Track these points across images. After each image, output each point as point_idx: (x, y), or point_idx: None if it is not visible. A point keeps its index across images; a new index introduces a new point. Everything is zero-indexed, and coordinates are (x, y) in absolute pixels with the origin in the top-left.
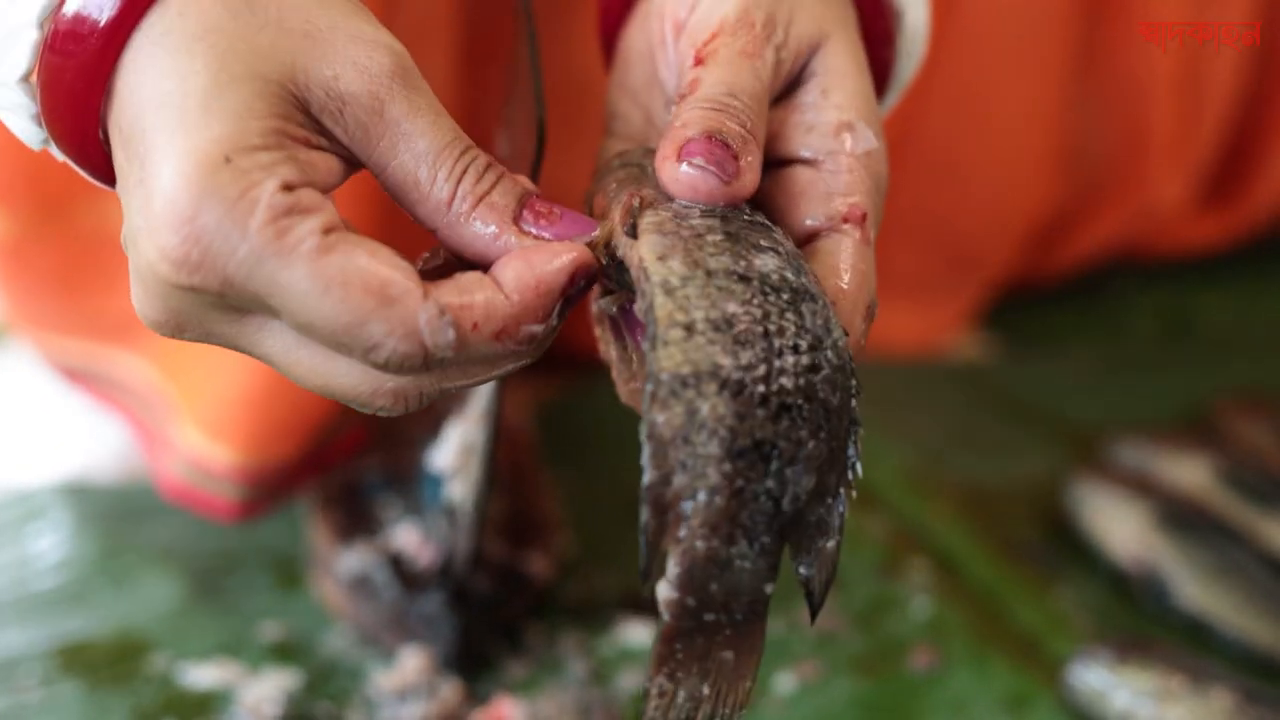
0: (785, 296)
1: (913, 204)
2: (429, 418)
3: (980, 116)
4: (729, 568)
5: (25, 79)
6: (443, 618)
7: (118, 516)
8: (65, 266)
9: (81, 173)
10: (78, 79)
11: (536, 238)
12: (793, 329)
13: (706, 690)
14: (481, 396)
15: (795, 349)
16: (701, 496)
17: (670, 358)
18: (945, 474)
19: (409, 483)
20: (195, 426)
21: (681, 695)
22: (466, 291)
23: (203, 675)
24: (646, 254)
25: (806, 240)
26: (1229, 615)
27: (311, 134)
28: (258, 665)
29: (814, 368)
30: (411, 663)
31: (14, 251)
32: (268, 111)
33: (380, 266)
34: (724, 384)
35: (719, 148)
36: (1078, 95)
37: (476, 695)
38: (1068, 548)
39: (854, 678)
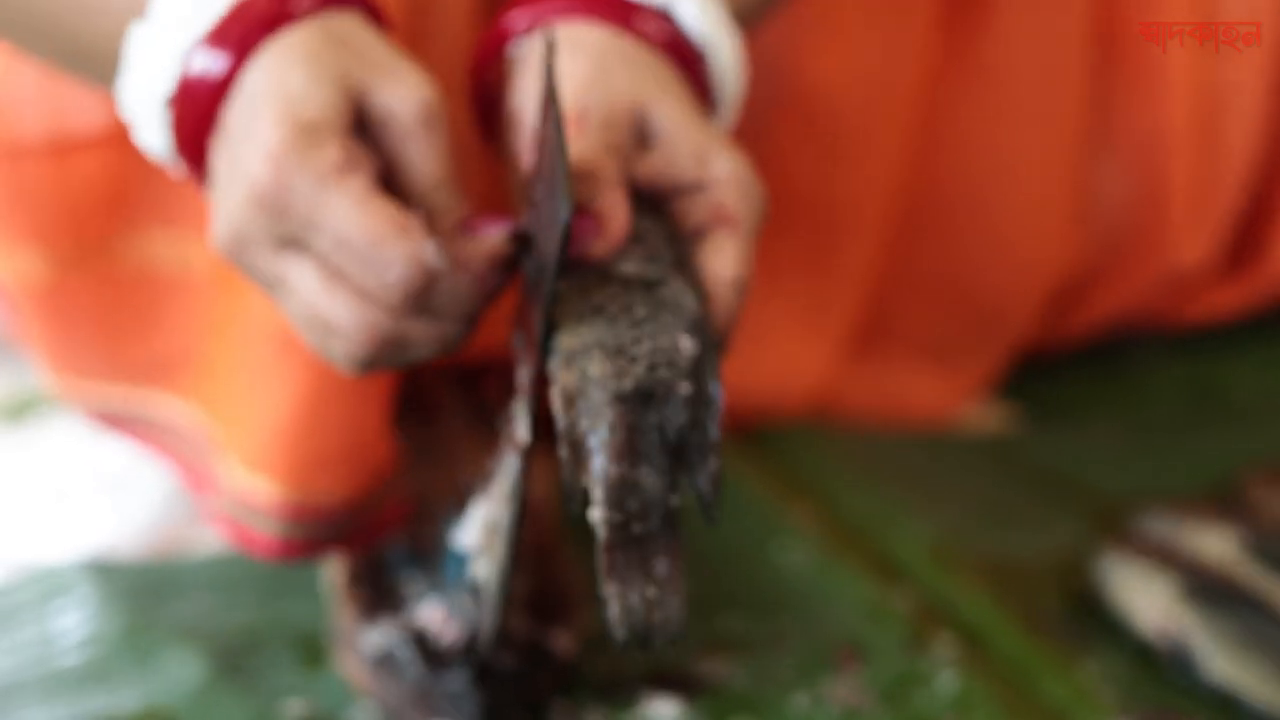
0: (643, 290)
1: (930, 266)
2: (453, 494)
3: (996, 176)
4: (637, 485)
5: (166, 102)
6: (467, 695)
7: (142, 593)
8: (104, 307)
9: (198, 184)
10: (205, 102)
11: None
12: (650, 307)
13: (652, 593)
14: (506, 475)
15: (658, 323)
16: (603, 433)
17: (566, 338)
18: (970, 547)
19: (433, 559)
20: (237, 460)
21: (633, 598)
22: (455, 238)
23: None
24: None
25: (695, 241)
26: (1257, 687)
27: (363, 135)
28: None
29: (674, 335)
30: None
31: (51, 294)
32: (342, 108)
33: (402, 210)
34: (605, 350)
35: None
36: (1094, 153)
37: None
38: (1094, 620)
39: None
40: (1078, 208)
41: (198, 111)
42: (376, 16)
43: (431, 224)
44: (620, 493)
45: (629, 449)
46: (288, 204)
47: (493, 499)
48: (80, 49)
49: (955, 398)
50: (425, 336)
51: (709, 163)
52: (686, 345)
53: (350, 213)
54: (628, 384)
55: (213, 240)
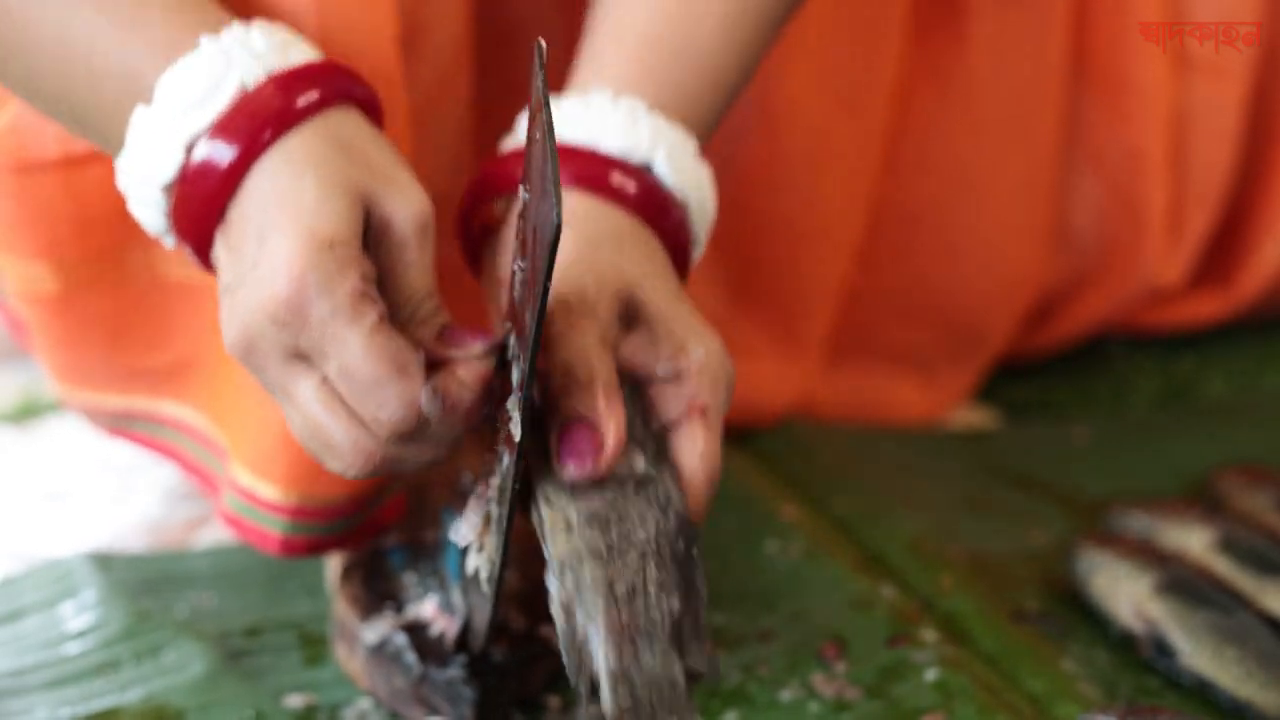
0: (631, 487)
1: (911, 281)
2: (453, 491)
3: (974, 192)
4: (641, 674)
5: (165, 188)
6: (463, 689)
7: (145, 588)
8: (114, 319)
9: (192, 258)
10: (210, 193)
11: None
12: (640, 509)
13: None
14: (500, 471)
15: (643, 520)
16: (600, 633)
17: (558, 546)
18: (952, 543)
19: (431, 556)
20: (243, 466)
21: None
22: (446, 380)
23: None
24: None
25: (671, 430)
26: (1231, 680)
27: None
28: None
29: (661, 531)
30: None
31: (62, 305)
32: (355, 219)
33: (405, 350)
34: (596, 556)
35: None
36: (1069, 171)
37: None
38: (1073, 615)
39: None
40: (1053, 225)
41: (201, 200)
42: (373, 112)
43: (415, 330)
44: (627, 684)
45: (629, 641)
46: (304, 324)
47: (488, 495)
48: (82, 118)
49: (934, 408)
50: (417, 457)
51: (686, 352)
52: (678, 546)
53: (359, 347)
54: (620, 589)
55: (225, 341)
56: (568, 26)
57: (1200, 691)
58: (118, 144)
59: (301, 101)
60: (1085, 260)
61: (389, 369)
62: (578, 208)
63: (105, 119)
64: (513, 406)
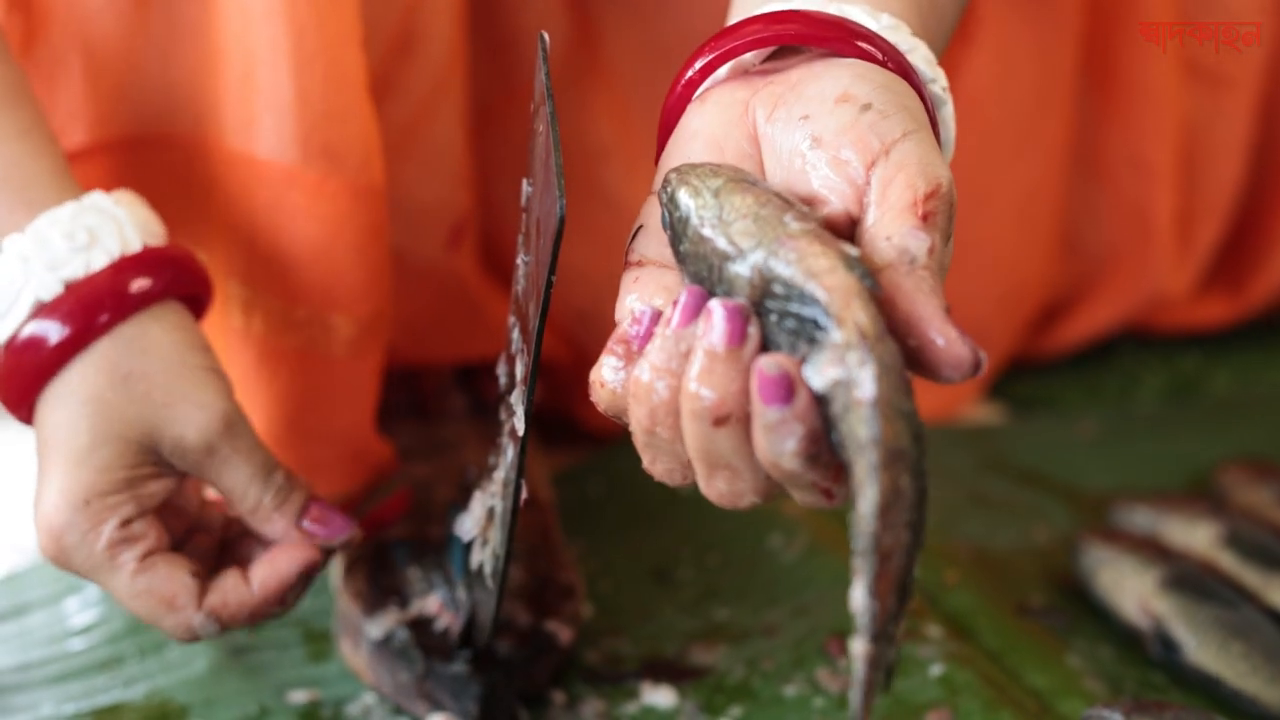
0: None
1: None
2: (455, 486)
3: (983, 199)
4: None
5: None
6: (467, 684)
7: None
8: None
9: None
10: (18, 391)
11: (311, 534)
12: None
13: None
14: (504, 465)
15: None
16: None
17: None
18: (957, 538)
19: (435, 550)
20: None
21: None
22: (224, 596)
23: None
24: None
25: None
26: (1235, 674)
27: (158, 469)
28: None
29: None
30: None
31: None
32: (122, 465)
33: (172, 584)
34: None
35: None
36: (1080, 179)
37: None
38: (1079, 610)
39: None
40: (1060, 231)
41: (17, 385)
42: (193, 299)
43: (268, 515)
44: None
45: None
46: (74, 570)
47: (493, 486)
48: None
49: (942, 411)
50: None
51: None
52: None
53: (124, 590)
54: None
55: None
56: (571, 33)
57: (1205, 687)
58: None
59: (99, 319)
60: (1094, 267)
61: (155, 607)
62: (870, 74)
63: None
64: (516, 401)
